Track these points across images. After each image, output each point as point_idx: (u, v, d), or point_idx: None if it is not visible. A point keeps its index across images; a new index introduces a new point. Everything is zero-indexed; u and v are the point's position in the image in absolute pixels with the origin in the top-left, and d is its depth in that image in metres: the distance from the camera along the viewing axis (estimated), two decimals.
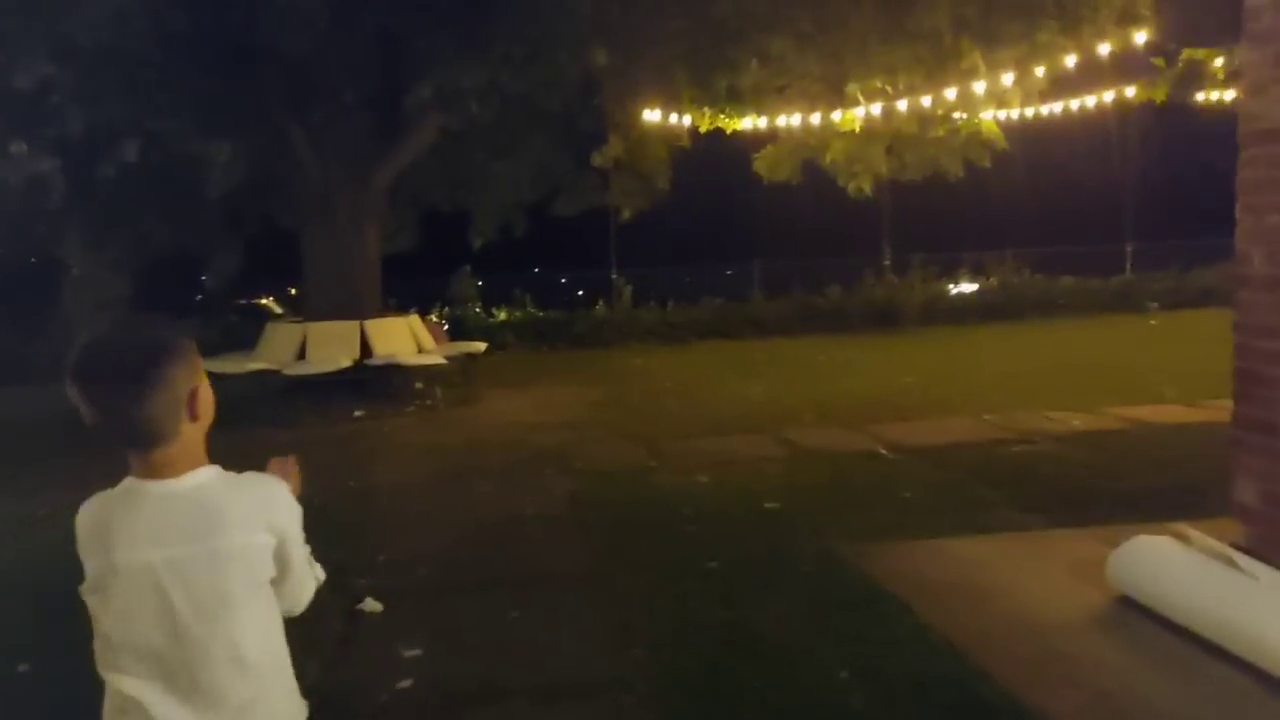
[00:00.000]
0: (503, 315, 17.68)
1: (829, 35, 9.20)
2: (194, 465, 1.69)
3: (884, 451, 7.44)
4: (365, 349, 10.90)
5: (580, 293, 20.28)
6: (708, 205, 20.62)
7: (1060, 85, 13.35)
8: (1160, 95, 10.72)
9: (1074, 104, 15.48)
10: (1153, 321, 17.21)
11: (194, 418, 1.68)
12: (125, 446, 1.66)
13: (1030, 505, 5.77)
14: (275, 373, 10.60)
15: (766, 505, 6.03)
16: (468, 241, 16.26)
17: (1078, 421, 8.25)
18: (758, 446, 7.97)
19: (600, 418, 9.87)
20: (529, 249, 18.30)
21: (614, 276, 18.27)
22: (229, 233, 16.08)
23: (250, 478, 1.77)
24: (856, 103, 12.76)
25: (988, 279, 19.52)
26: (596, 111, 14.79)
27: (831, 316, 18.02)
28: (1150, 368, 11.13)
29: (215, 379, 1.90)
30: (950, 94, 11.42)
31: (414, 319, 12.14)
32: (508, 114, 13.42)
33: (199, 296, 21.16)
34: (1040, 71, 10.21)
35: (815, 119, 13.30)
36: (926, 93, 12.44)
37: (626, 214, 16.88)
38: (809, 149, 14.94)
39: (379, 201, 11.95)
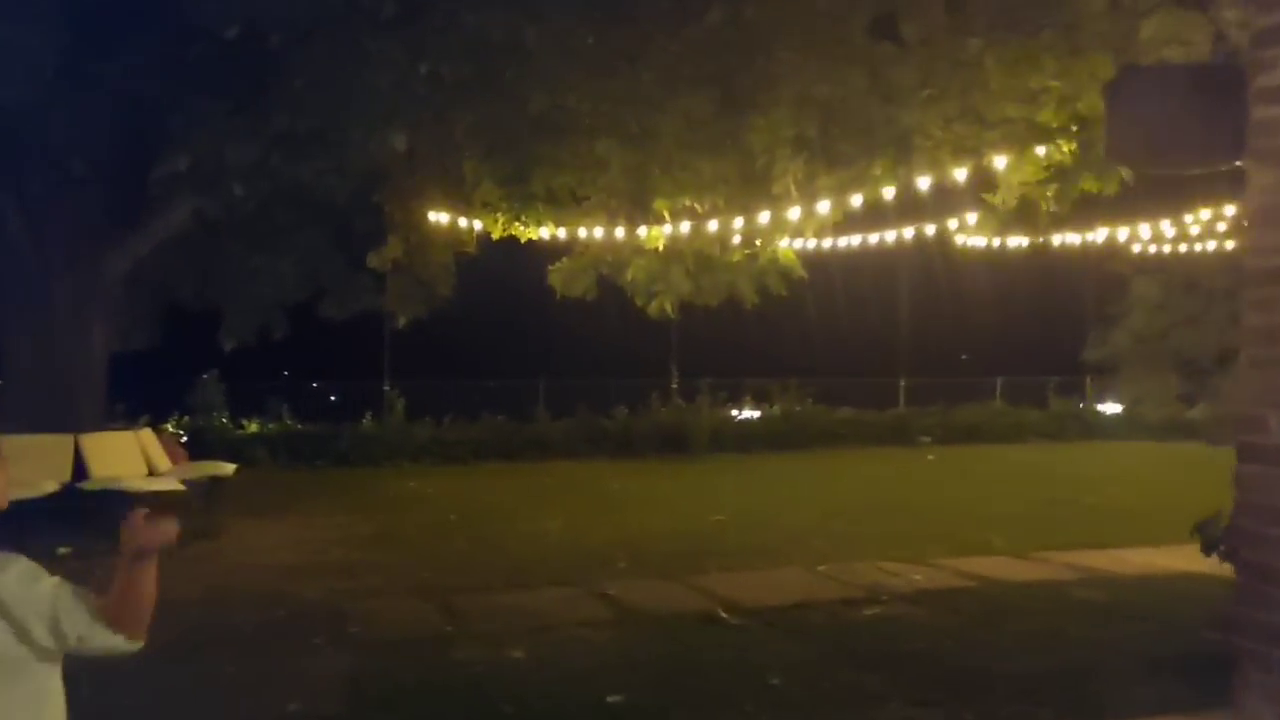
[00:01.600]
0: (254, 427, 15.59)
1: (638, 145, 8.40)
2: None
3: (724, 614, 6.37)
4: (80, 469, 8.86)
5: (336, 401, 18.45)
6: (491, 315, 19.41)
7: (859, 217, 13.34)
8: (987, 232, 10.63)
9: (868, 238, 15.64)
10: (930, 456, 17.38)
11: None
12: None
13: (920, 696, 4.83)
14: None
15: (609, 699, 4.77)
16: (217, 342, 14.32)
17: (918, 576, 7.53)
18: (574, 605, 6.71)
19: (377, 559, 8.31)
20: (288, 353, 16.44)
21: (386, 388, 16.62)
22: None
23: None
24: (662, 219, 12.12)
25: (771, 406, 19.31)
26: (375, 208, 13.48)
27: (618, 439, 17.12)
28: (960, 511, 10.77)
29: None
30: (763, 217, 10.94)
31: (145, 433, 10.15)
32: (273, 202, 11.88)
33: None
34: (858, 200, 9.90)
35: (619, 233, 12.54)
36: (735, 214, 11.98)
37: (402, 320, 15.49)
38: (606, 264, 14.18)
39: (110, 293, 10.00)
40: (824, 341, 21.11)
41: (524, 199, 9.89)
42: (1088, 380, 22.16)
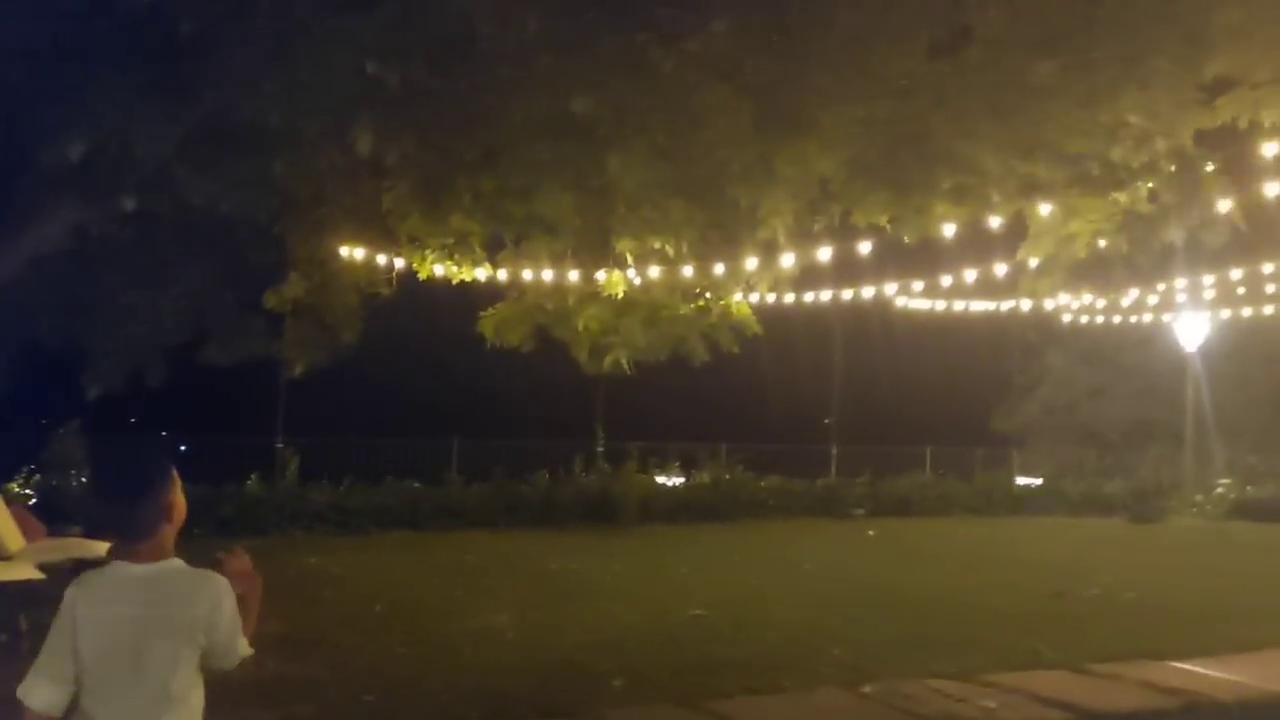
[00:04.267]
0: None
1: (667, 160, 6.92)
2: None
3: None
4: None
5: (218, 459, 16.18)
6: (398, 366, 17.52)
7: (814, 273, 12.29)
8: (1041, 289, 9.43)
9: (804, 295, 14.61)
10: (871, 532, 16.25)
11: (170, 521, 2.43)
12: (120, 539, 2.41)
13: None
14: None
15: None
16: (81, 387, 12.15)
17: (990, 703, 6.13)
18: None
19: (302, 674, 6.44)
20: (163, 403, 14.30)
21: (279, 445, 14.54)
22: None
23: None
24: (622, 262, 10.73)
25: (700, 473, 17.95)
26: (275, 240, 11.65)
27: (538, 508, 15.44)
28: (960, 604, 9.50)
29: None
30: (750, 263, 9.68)
31: None
32: (160, 227, 10.07)
33: None
34: (866, 247, 8.71)
35: (573, 276, 11.09)
36: (699, 260, 10.73)
37: (298, 369, 13.54)
38: (545, 312, 12.67)
39: None
40: (752, 404, 19.96)
41: (531, 222, 8.18)
42: (1014, 452, 21.61)
